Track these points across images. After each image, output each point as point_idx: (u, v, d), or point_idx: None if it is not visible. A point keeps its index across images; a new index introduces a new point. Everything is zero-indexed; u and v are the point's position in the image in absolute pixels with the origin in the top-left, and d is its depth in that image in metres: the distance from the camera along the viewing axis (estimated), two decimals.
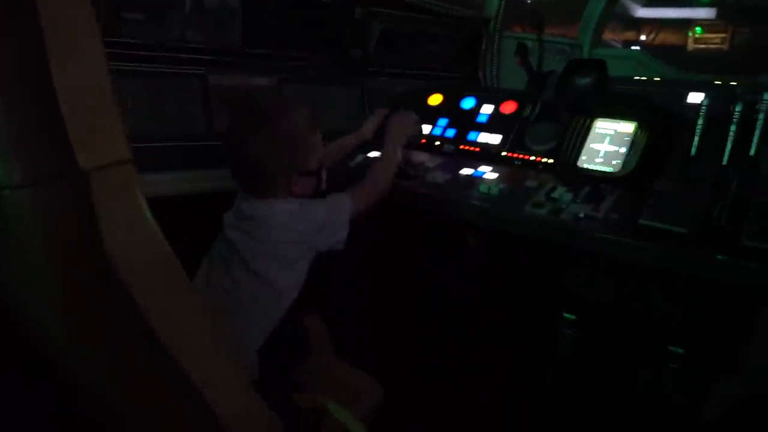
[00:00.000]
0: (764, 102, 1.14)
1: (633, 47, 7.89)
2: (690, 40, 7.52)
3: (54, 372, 0.71)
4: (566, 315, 1.47)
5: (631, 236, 1.07)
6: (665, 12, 7.67)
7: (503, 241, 1.43)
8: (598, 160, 1.33)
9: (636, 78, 1.56)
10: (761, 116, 1.15)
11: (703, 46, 7.44)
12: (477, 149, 1.52)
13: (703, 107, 1.21)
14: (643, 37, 8.12)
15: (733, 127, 1.16)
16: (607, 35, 8.33)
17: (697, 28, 7.40)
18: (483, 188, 1.31)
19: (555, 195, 1.24)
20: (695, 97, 1.26)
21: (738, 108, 1.15)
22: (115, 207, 0.61)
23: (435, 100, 1.69)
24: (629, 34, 8.37)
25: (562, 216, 1.16)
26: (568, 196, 1.23)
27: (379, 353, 1.34)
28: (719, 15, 7.22)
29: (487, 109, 1.58)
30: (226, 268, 1.05)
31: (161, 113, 1.36)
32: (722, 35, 7.23)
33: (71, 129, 0.58)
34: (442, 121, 1.62)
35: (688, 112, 1.27)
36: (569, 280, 1.41)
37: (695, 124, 1.21)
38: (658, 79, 1.52)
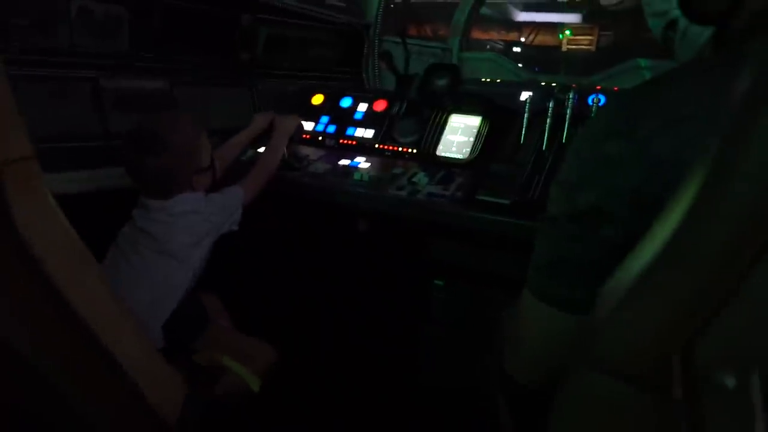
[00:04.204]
0: (569, 99, 1.45)
1: (515, 48, 8.65)
2: (564, 42, 8.35)
3: None
4: (436, 282, 1.74)
5: (469, 209, 1.33)
6: (540, 16, 8.43)
7: (383, 222, 1.66)
8: (453, 148, 1.59)
9: (483, 80, 1.85)
10: (568, 111, 1.45)
11: (574, 47, 8.30)
12: (354, 143, 1.73)
13: (528, 104, 1.50)
14: (522, 39, 8.87)
15: (548, 120, 1.46)
16: (492, 36, 9.03)
17: (567, 31, 8.22)
18: (356, 176, 1.52)
19: (415, 179, 1.48)
20: (524, 95, 1.55)
21: (551, 104, 1.45)
22: (24, 195, 0.74)
23: (317, 99, 1.89)
24: (512, 35, 9.11)
25: (418, 196, 1.40)
26: (426, 179, 1.47)
27: (275, 324, 1.52)
28: (585, 19, 8.07)
29: (362, 107, 1.80)
30: (136, 250, 1.20)
31: (54, 116, 1.44)
32: (590, 37, 8.11)
33: None
34: (324, 119, 1.82)
35: (520, 107, 1.56)
36: (436, 251, 1.67)
37: (523, 117, 1.51)
38: (499, 80, 1.82)
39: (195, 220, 1.25)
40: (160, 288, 1.20)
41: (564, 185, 0.66)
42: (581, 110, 1.46)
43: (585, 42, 7.99)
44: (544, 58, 8.00)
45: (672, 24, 0.71)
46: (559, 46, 8.45)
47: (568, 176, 0.66)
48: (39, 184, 0.77)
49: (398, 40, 2.28)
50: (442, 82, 1.71)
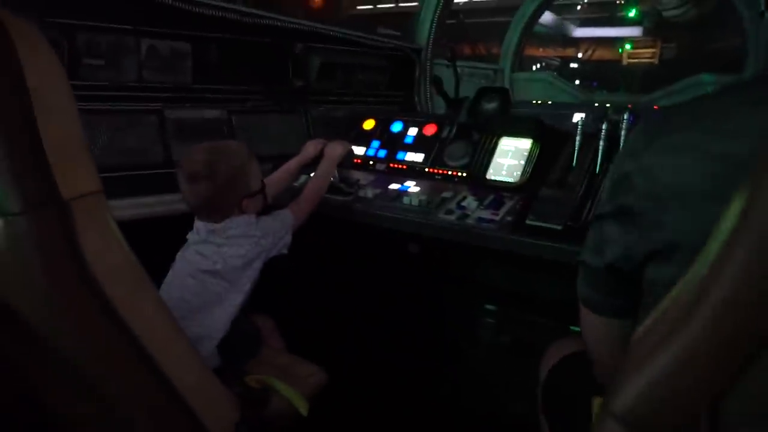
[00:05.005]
0: (624, 120, 1.40)
1: (572, 64, 8.47)
2: (624, 56, 8.09)
3: (42, 365, 0.88)
4: (486, 306, 1.71)
5: (519, 234, 1.30)
6: (598, 31, 8.21)
7: (434, 245, 1.66)
8: (503, 172, 1.57)
9: (534, 101, 1.83)
10: (623, 132, 1.41)
11: (635, 60, 8.01)
12: (404, 167, 1.74)
13: (580, 126, 1.47)
14: (580, 54, 8.67)
15: (601, 143, 1.42)
16: (548, 53, 8.89)
17: (627, 45, 7.96)
18: (406, 200, 1.53)
19: (464, 203, 1.47)
20: (577, 117, 1.52)
21: (604, 126, 1.41)
22: (91, 226, 0.80)
23: (369, 124, 1.92)
24: (569, 51, 8.93)
25: (467, 220, 1.39)
26: (475, 203, 1.46)
27: (326, 346, 1.54)
28: (646, 32, 7.79)
29: (412, 131, 1.82)
30: (190, 272, 1.25)
31: (124, 146, 1.54)
32: (652, 50, 7.82)
33: (54, 169, 0.77)
34: (375, 143, 1.85)
35: (573, 129, 1.53)
36: (486, 275, 1.65)
37: (575, 140, 1.47)
38: (551, 102, 1.79)
39: (246, 243, 1.29)
40: (212, 309, 1.24)
41: (602, 196, 0.72)
42: None
43: (647, 55, 7.68)
44: (602, 73, 7.77)
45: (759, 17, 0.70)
46: (619, 61, 8.19)
47: (605, 188, 0.72)
48: (105, 216, 0.83)
49: (449, 63, 2.29)
50: (492, 105, 1.70)
